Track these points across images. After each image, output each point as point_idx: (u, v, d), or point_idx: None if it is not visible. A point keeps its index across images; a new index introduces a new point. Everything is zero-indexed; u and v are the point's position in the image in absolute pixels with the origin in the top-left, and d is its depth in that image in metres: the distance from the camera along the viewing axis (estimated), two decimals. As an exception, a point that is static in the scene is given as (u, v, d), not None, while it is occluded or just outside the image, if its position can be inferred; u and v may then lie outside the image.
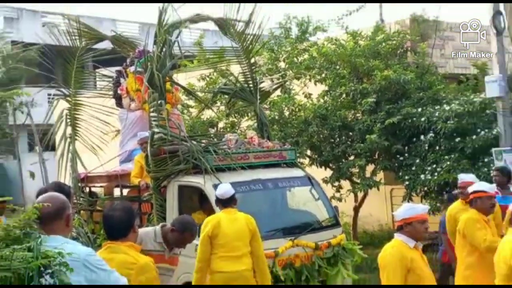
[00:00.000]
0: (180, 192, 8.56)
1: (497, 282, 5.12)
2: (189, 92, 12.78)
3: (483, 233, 6.40)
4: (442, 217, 9.21)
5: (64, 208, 3.78)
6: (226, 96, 13.35)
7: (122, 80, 10.79)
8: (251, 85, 10.69)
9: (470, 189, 6.83)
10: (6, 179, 26.22)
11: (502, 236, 6.50)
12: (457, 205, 7.81)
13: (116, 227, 4.54)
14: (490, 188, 6.83)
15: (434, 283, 5.47)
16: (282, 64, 14.84)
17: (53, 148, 19.83)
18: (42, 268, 2.80)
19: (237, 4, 10.08)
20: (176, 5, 9.80)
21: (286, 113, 14.24)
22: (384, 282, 5.20)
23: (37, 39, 16.02)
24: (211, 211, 8.18)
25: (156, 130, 8.89)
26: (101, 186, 10.72)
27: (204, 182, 8.23)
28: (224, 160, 8.65)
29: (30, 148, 28.00)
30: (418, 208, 5.45)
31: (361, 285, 6.26)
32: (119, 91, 10.80)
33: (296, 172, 9.29)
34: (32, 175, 19.90)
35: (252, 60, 10.79)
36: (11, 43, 26.91)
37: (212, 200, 8.06)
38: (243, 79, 10.86)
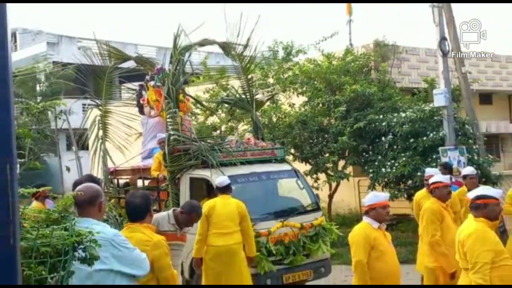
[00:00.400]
0: (191, 183, 8.56)
1: (457, 257, 4.98)
2: (198, 102, 12.79)
3: (435, 227, 6.18)
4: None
5: (97, 196, 3.75)
6: (227, 105, 13.43)
7: (143, 92, 10.79)
8: (248, 97, 10.67)
9: (430, 181, 6.78)
10: (49, 173, 26.07)
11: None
12: (422, 192, 7.78)
13: (135, 211, 4.55)
14: (445, 178, 6.74)
15: (395, 257, 5.38)
16: (271, 80, 14.87)
17: (86, 148, 19.85)
18: (75, 244, 2.81)
19: (237, 31, 10.08)
20: (187, 31, 9.82)
21: (274, 119, 14.26)
22: (352, 256, 5.17)
23: (73, 59, 15.95)
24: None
25: (171, 132, 8.92)
26: (126, 178, 10.71)
27: (211, 174, 8.21)
28: (227, 157, 8.64)
29: (67, 147, 27.94)
30: (380, 196, 5.47)
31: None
32: (141, 101, 10.80)
33: (285, 167, 9.24)
34: (68, 169, 19.91)
35: (249, 76, 10.78)
36: (53, 63, 26.89)
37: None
38: (242, 92, 10.87)
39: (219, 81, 14.22)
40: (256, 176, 8.61)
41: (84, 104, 23.36)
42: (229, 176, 8.23)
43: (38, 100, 20.82)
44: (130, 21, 79.01)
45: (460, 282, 5.03)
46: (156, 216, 5.52)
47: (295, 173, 9.24)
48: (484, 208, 4.78)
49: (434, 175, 7.39)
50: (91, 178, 5.93)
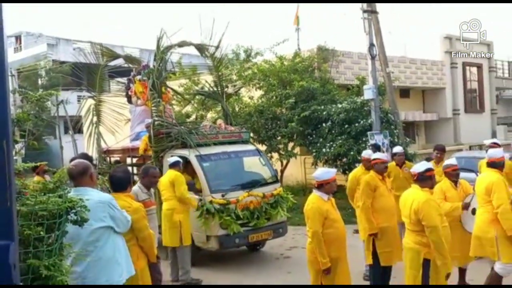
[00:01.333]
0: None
1: (403, 219, 5.03)
2: (177, 93, 12.63)
3: (367, 195, 6.14)
4: None
5: (88, 167, 3.81)
6: (200, 97, 13.32)
7: (131, 85, 10.65)
8: (219, 89, 10.57)
9: (372, 157, 6.56)
10: (50, 152, 25.60)
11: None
12: (359, 169, 7.43)
13: (118, 183, 4.53)
14: (384, 156, 6.59)
15: (342, 222, 5.21)
16: (234, 77, 14.79)
17: (81, 131, 19.48)
18: (68, 209, 2.77)
19: (210, 35, 10.01)
20: (169, 34, 9.69)
21: (237, 109, 14.18)
22: (308, 227, 5.04)
23: (70, 58, 15.54)
24: (193, 173, 8.17)
25: (156, 118, 8.81)
26: (117, 157, 10.55)
27: (189, 153, 8.16)
28: (202, 139, 8.55)
29: (65, 131, 27.28)
30: (331, 172, 5.24)
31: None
32: (129, 93, 10.67)
33: (249, 147, 9.19)
34: (62, 147, 19.67)
35: (220, 73, 10.66)
36: (52, 61, 26.21)
37: (195, 166, 8.06)
38: (214, 85, 10.76)
39: (193, 77, 14.12)
40: (226, 155, 8.57)
41: (79, 96, 22.93)
42: (204, 155, 8.25)
43: (39, 92, 20.28)
44: (116, 25, 77.19)
45: (405, 240, 5.03)
46: (132, 190, 5.44)
47: (258, 152, 9.21)
48: (430, 180, 4.89)
49: (369, 155, 7.25)
50: (85, 156, 5.86)
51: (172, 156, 7.99)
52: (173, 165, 7.39)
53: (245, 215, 7.85)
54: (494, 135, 23.25)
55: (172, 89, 11.47)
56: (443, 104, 21.86)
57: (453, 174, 6.04)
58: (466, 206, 5.88)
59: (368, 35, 12.30)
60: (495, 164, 5.70)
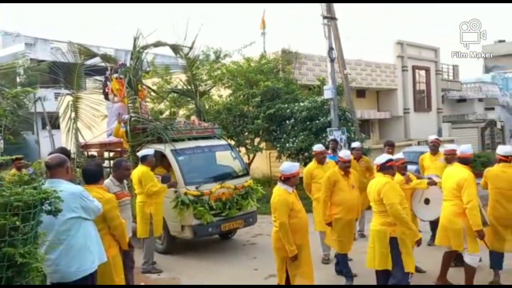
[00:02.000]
0: None
1: (371, 204, 5.18)
2: (153, 90, 12.38)
3: (326, 190, 6.13)
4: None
5: (64, 161, 3.77)
6: (171, 95, 13.11)
7: (108, 82, 10.36)
8: (193, 88, 10.37)
9: (341, 154, 6.34)
10: (28, 147, 24.78)
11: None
12: (312, 164, 7.30)
13: (91, 175, 4.45)
14: (347, 155, 6.28)
15: (305, 213, 5.21)
16: (204, 77, 14.68)
17: (58, 127, 18.98)
18: (43, 200, 2.71)
19: (184, 35, 9.83)
20: (145, 34, 9.43)
21: (207, 106, 14.09)
22: (276, 218, 5.00)
23: (47, 57, 15.08)
24: (169, 167, 8.06)
25: (132, 115, 8.61)
26: (95, 151, 10.26)
27: (165, 148, 8.02)
28: (177, 134, 8.41)
29: (43, 126, 26.47)
30: (296, 166, 5.25)
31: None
32: (106, 90, 10.37)
33: (222, 142, 9.08)
34: (37, 142, 19.12)
35: (193, 72, 10.44)
36: (30, 60, 25.36)
37: (171, 159, 7.93)
38: (187, 84, 10.55)
39: (167, 76, 13.89)
40: (200, 149, 8.46)
41: (57, 93, 22.32)
42: (178, 149, 8.12)
43: (17, 89, 19.60)
44: (92, 26, 75.34)
45: (372, 223, 5.19)
46: (104, 183, 5.32)
47: (230, 146, 9.14)
48: (391, 169, 5.22)
49: (320, 149, 7.28)
50: (63, 150, 5.72)
51: (173, 149, 7.84)
52: (142, 160, 7.20)
53: (217, 206, 7.80)
54: (440, 132, 23.93)
55: (148, 86, 11.28)
56: (395, 103, 22.31)
57: (401, 167, 6.15)
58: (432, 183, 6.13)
59: (328, 39, 12.43)
60: (466, 160, 5.67)
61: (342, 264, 6.27)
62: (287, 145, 12.83)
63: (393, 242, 4.95)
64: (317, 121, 12.60)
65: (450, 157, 6.34)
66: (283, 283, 5.11)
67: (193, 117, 10.00)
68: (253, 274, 6.90)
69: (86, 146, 10.18)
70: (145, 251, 7.13)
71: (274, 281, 6.42)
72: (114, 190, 5.27)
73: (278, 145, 13.26)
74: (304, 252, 5.10)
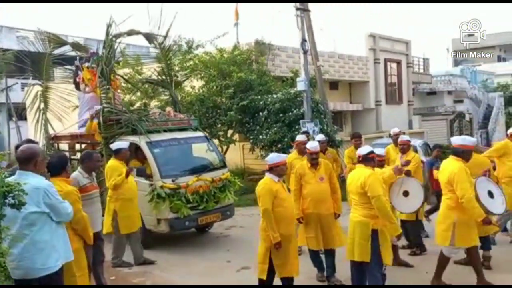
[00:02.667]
0: None
1: (351, 195, 5.20)
2: (127, 81, 12.08)
3: (296, 182, 6.03)
4: (427, 160, 8.70)
5: (34, 155, 3.65)
6: (144, 86, 12.89)
7: (79, 72, 10.06)
8: (168, 78, 10.14)
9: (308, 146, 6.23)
10: (-6, 138, 24.11)
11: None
12: (293, 154, 7.38)
13: (51, 167, 4.37)
14: (314, 146, 6.09)
15: (292, 202, 5.27)
16: (176, 67, 14.51)
17: (24, 118, 18.46)
18: (6, 193, 2.64)
19: (158, 24, 9.54)
20: (117, 21, 9.15)
21: (179, 97, 13.96)
22: (260, 205, 5.00)
23: (13, 46, 14.55)
24: (144, 159, 7.91)
25: (105, 105, 8.34)
26: (66, 143, 9.99)
27: (140, 140, 7.84)
28: (152, 126, 8.23)
29: (9, 118, 25.70)
30: (281, 156, 5.26)
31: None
32: (77, 80, 10.06)
33: (198, 134, 8.93)
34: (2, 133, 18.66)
35: (168, 62, 10.22)
36: (-6, 49, 24.51)
37: (146, 152, 7.76)
38: (162, 74, 10.31)
39: (138, 66, 13.63)
40: (176, 141, 8.31)
41: (24, 83, 21.68)
42: (154, 141, 7.94)
43: None
44: (60, 14, 73.22)
45: (353, 214, 5.15)
46: (74, 175, 5.22)
47: (206, 138, 9.01)
48: (372, 161, 5.21)
49: (302, 139, 7.40)
50: (30, 142, 5.55)
51: (148, 142, 7.66)
52: (116, 153, 7.03)
53: (194, 199, 7.69)
54: (410, 124, 24.46)
55: (121, 76, 11.03)
56: (367, 96, 22.61)
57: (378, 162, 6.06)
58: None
59: (301, 31, 12.47)
60: (459, 152, 5.45)
61: (312, 258, 6.12)
62: (260, 137, 12.87)
63: (374, 234, 4.96)
64: (290, 113, 12.67)
65: (406, 148, 6.78)
66: (263, 275, 5.04)
67: (168, 108, 9.78)
68: (226, 266, 6.92)
69: (56, 138, 9.91)
70: (113, 246, 6.98)
71: (246, 273, 6.50)
72: (83, 182, 5.18)
73: (251, 137, 13.29)
74: (290, 244, 5.05)
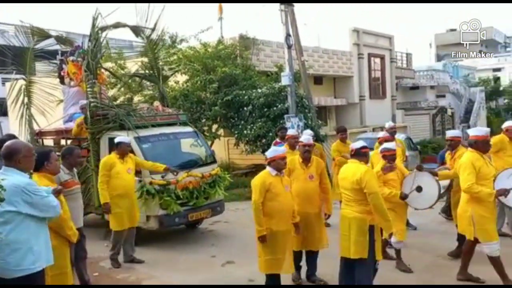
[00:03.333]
0: (110, 142, 7.76)
1: (342, 191, 5.09)
2: (113, 75, 11.84)
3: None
4: (442, 152, 8.45)
5: (15, 152, 3.54)
6: (125, 80, 12.71)
7: (64, 66, 9.86)
8: (155, 72, 9.92)
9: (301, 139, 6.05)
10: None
11: None
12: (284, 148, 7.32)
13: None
14: (306, 138, 5.90)
15: (288, 198, 5.05)
16: (160, 62, 14.38)
17: (5, 114, 18.14)
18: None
19: (145, 17, 9.31)
20: (104, 14, 8.87)
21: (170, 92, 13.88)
22: (252, 197, 4.94)
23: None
24: (132, 154, 7.62)
25: (92, 100, 8.14)
26: (51, 139, 9.78)
27: (128, 135, 7.62)
28: (140, 121, 8.05)
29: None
30: (279, 150, 5.18)
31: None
32: (62, 73, 9.88)
33: (187, 129, 8.77)
34: None
35: (156, 55, 9.99)
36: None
37: (134, 147, 7.56)
38: (150, 68, 10.09)
39: (121, 60, 13.43)
40: (165, 136, 8.15)
41: (4, 78, 21.28)
42: (143, 137, 7.79)
43: None
44: (41, 8, 71.96)
45: (346, 210, 5.01)
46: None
47: (196, 133, 8.88)
48: (365, 156, 5.07)
49: (293, 133, 7.53)
50: (12, 137, 5.46)
51: (136, 137, 7.56)
52: (116, 146, 6.84)
53: (184, 195, 7.56)
54: (393, 118, 24.68)
55: (108, 70, 10.82)
56: (351, 90, 22.76)
57: (390, 158, 6.01)
58: (404, 197, 5.87)
59: (285, 26, 12.47)
60: (472, 144, 5.36)
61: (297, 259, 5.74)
62: (245, 131, 12.86)
63: (371, 230, 4.92)
64: (274, 108, 12.68)
65: (454, 144, 6.47)
66: (262, 269, 5.07)
67: (156, 103, 9.63)
68: (211, 261, 6.94)
69: (41, 134, 9.71)
70: (111, 240, 6.90)
71: (231, 268, 6.54)
72: (64, 178, 5.12)
73: (236, 132, 13.28)
74: (280, 239, 4.94)
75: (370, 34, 23.73)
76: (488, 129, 5.58)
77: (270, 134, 12.39)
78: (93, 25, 8.77)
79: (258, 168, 14.85)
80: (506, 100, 36.31)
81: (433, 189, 5.89)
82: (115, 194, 6.67)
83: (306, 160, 5.68)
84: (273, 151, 5.13)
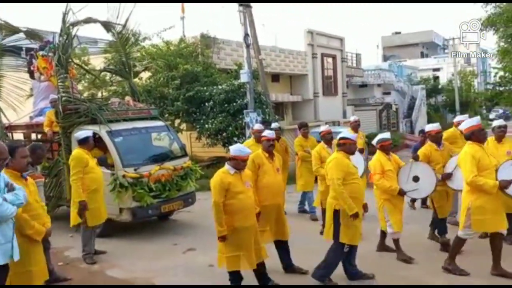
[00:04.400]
0: None
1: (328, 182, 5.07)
2: (85, 69, 11.34)
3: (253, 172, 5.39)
4: (416, 144, 8.17)
5: None
6: (89, 76, 12.30)
7: (33, 60, 9.37)
8: (126, 68, 9.46)
9: (264, 133, 5.94)
10: None
11: None
12: (250, 141, 7.52)
13: None
14: (270, 133, 5.79)
15: (249, 195, 4.76)
16: (123, 59, 13.99)
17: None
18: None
19: (116, 13, 8.95)
20: (75, 9, 8.44)
21: (126, 88, 13.52)
22: (212, 197, 4.64)
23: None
24: (105, 149, 7.46)
25: (63, 94, 7.74)
26: (21, 132, 9.33)
27: (100, 129, 7.39)
28: (112, 115, 7.74)
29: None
30: (245, 151, 4.77)
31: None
32: (32, 68, 9.39)
33: (159, 123, 8.53)
34: None
35: (127, 51, 9.58)
36: None
37: (107, 141, 7.31)
38: (120, 63, 9.69)
39: (85, 56, 12.98)
40: (137, 131, 7.89)
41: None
42: (114, 131, 7.49)
43: None
44: (9, 7, 68.32)
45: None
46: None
47: (167, 127, 8.68)
48: (344, 146, 5.06)
49: (259, 127, 7.56)
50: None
51: (108, 131, 7.25)
52: (82, 142, 6.49)
53: (157, 188, 7.36)
54: (344, 114, 25.23)
55: (79, 65, 10.37)
56: (306, 88, 23.03)
57: (388, 148, 5.86)
58: (402, 193, 5.65)
59: (244, 26, 12.46)
60: (468, 136, 5.17)
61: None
62: (206, 126, 12.82)
63: (336, 214, 4.94)
64: (234, 103, 12.70)
65: (502, 134, 6.14)
66: (221, 265, 4.84)
67: (127, 98, 9.27)
68: (173, 249, 6.89)
69: (11, 128, 9.22)
70: (82, 241, 6.50)
71: (193, 254, 6.56)
72: (29, 172, 4.92)
73: (198, 126, 13.22)
74: (243, 235, 4.72)
75: (323, 35, 24.06)
76: (478, 118, 5.49)
77: (230, 128, 12.42)
78: (64, 20, 8.36)
79: (220, 160, 14.85)
80: (444, 97, 37.84)
81: (430, 178, 5.68)
82: (92, 189, 6.33)
83: (270, 154, 5.53)
84: (238, 150, 4.76)
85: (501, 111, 37.97)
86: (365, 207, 5.16)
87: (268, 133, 5.79)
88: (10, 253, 3.46)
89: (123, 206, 7.24)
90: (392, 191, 5.64)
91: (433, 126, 6.49)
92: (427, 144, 6.42)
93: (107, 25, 9.26)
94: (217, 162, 14.70)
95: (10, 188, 3.60)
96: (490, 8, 12.25)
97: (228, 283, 4.92)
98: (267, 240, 5.31)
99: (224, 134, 12.73)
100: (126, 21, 9.23)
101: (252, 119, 12.06)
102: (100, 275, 5.92)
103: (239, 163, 4.71)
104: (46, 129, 8.27)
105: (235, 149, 4.77)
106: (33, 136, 9.09)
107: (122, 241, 7.40)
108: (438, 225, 6.31)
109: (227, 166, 4.74)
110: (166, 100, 13.54)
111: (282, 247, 5.52)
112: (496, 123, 6.30)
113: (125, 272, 5.98)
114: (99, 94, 13.34)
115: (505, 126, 6.18)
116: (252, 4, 12.77)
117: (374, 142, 6.01)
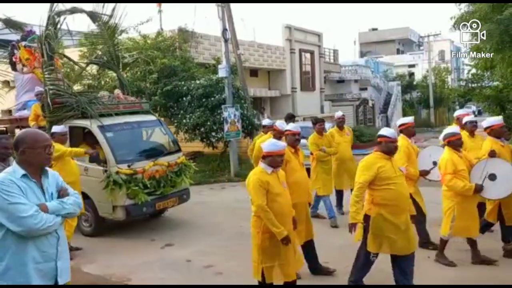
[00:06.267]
0: (71, 130, 7.26)
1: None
2: (72, 61, 10.99)
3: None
4: None
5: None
6: (64, 70, 11.97)
7: (15, 51, 9.00)
8: (114, 59, 9.08)
9: (289, 127, 5.44)
10: None
11: None
12: (267, 136, 6.91)
13: None
14: (295, 127, 5.33)
15: (287, 196, 4.18)
16: (99, 52, 13.73)
17: None
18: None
19: (101, 4, 8.62)
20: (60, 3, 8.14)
21: (102, 82, 13.34)
22: (252, 198, 4.03)
23: None
24: (95, 143, 7.20)
25: (50, 87, 7.41)
26: (4, 127, 8.92)
27: (91, 123, 7.12)
28: (103, 109, 7.43)
29: None
30: (279, 145, 4.17)
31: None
32: (14, 59, 9.03)
33: (151, 117, 8.26)
34: None
35: (115, 42, 9.27)
36: None
37: (98, 136, 7.03)
38: (108, 55, 9.16)
39: (61, 48, 12.64)
40: (129, 125, 7.60)
41: None
42: (106, 125, 7.20)
43: None
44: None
45: None
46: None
47: (160, 122, 8.40)
48: (379, 144, 4.40)
49: (268, 123, 7.50)
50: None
51: (99, 125, 7.00)
52: (51, 136, 6.24)
53: (152, 184, 7.13)
54: (322, 109, 25.46)
55: (66, 56, 9.99)
56: (284, 83, 23.14)
57: (458, 144, 5.24)
58: (480, 189, 5.02)
59: (222, 20, 12.40)
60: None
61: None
62: (184, 120, 12.73)
63: (366, 220, 4.34)
64: (212, 98, 12.63)
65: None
66: (257, 276, 4.11)
67: (117, 91, 9.02)
68: (150, 244, 6.84)
69: None
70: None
71: (170, 250, 6.51)
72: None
73: (176, 121, 13.10)
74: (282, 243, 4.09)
75: (301, 31, 24.16)
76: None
77: (208, 123, 12.35)
78: (50, 10, 8.02)
79: (197, 155, 14.80)
80: (418, 93, 38.58)
81: (507, 176, 4.99)
82: (69, 181, 6.24)
83: (296, 149, 5.16)
84: (272, 145, 4.14)
85: (473, 107, 38.94)
86: (412, 217, 4.47)
87: (293, 127, 5.29)
88: (53, 273, 2.74)
89: (116, 203, 6.93)
90: (467, 191, 5.00)
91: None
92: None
93: (93, 15, 8.89)
94: (195, 157, 14.65)
95: (63, 194, 2.91)
96: (464, 6, 12.53)
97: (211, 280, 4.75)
98: (300, 242, 4.87)
99: (202, 129, 12.64)
100: (113, 11, 8.83)
101: (231, 114, 12.04)
102: (76, 272, 5.80)
103: (275, 160, 4.10)
104: (31, 124, 7.96)
105: (268, 144, 4.17)
106: (17, 131, 8.79)
107: (99, 237, 7.27)
108: (506, 232, 5.64)
109: (262, 165, 4.14)
110: (144, 94, 13.34)
111: (309, 245, 5.11)
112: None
113: (101, 268, 5.90)
114: (75, 88, 13.05)
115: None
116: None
117: (440, 137, 5.49)
